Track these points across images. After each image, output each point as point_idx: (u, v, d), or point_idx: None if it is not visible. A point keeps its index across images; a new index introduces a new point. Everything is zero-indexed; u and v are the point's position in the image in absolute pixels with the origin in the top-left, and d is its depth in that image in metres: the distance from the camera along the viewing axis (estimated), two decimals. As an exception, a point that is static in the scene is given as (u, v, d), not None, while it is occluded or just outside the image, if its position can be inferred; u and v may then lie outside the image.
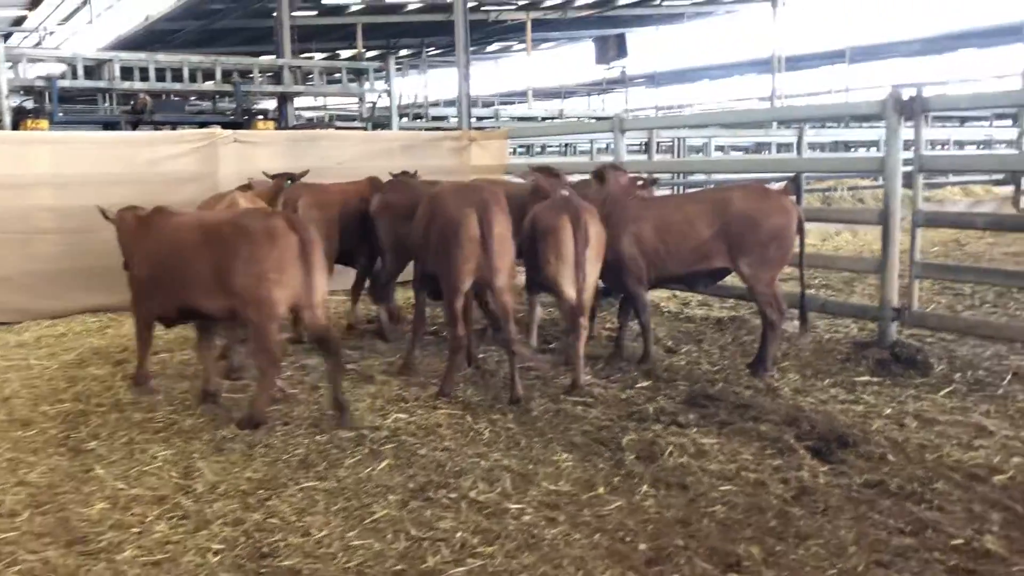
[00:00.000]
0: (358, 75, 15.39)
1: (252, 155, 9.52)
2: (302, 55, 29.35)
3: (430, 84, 37.44)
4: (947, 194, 16.90)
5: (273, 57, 15.93)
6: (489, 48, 46.67)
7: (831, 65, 37.19)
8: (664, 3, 29.86)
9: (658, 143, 18.42)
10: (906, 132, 6.33)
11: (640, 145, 17.37)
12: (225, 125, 13.55)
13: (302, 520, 3.94)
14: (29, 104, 12.44)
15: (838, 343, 6.95)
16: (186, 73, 13.12)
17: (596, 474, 4.45)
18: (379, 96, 14.77)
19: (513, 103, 33.38)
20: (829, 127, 20.20)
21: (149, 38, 24.68)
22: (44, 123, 12.07)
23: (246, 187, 7.91)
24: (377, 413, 5.45)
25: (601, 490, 4.25)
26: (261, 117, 13.57)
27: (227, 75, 13.70)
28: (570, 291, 5.88)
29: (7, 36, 36.10)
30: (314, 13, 24.70)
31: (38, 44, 29.31)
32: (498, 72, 48.69)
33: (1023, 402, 5.50)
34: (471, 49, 43.34)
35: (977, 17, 33.31)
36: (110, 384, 6.19)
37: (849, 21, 34.80)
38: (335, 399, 5.27)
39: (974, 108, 18.94)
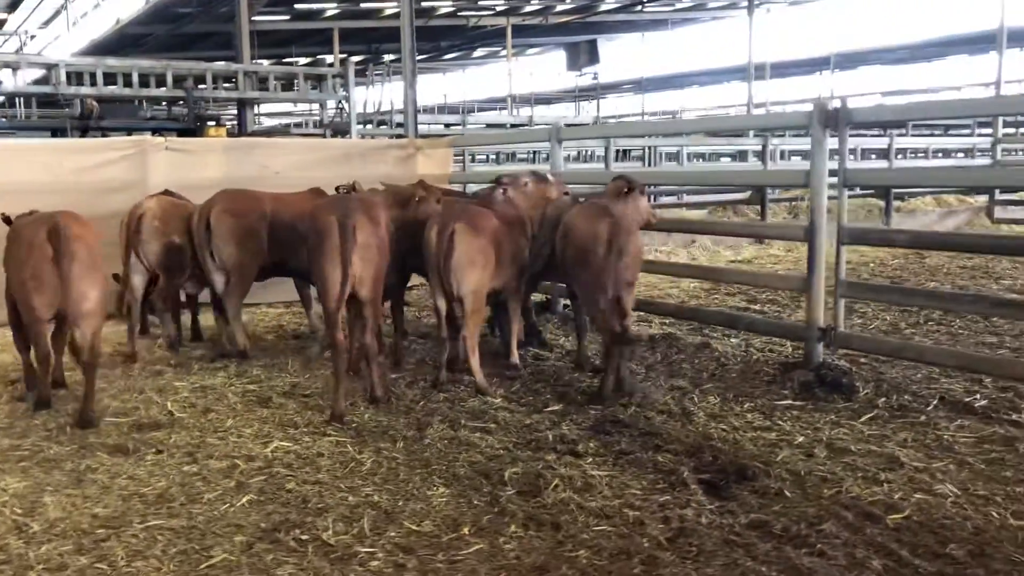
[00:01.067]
0: (319, 81, 15.11)
1: (185, 163, 9.24)
2: (280, 61, 29.18)
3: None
4: (920, 204, 16.67)
5: (227, 63, 15.62)
6: (476, 54, 46.62)
7: (818, 73, 37.09)
8: (646, 9, 29.66)
9: (627, 152, 18.40)
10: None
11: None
12: (180, 132, 13.33)
13: (131, 565, 3.65)
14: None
15: (766, 364, 6.67)
16: (135, 78, 12.83)
17: (467, 512, 4.17)
18: (339, 103, 14.47)
19: (495, 109, 33.11)
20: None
21: (121, 42, 24.40)
22: (-19, 130, 11.82)
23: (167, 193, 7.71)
24: (260, 440, 5.16)
25: (466, 531, 3.96)
26: (213, 124, 13.28)
27: (181, 80, 13.42)
28: (439, 301, 6.15)
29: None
30: (287, 18, 24.42)
31: (19, 49, 29.14)
32: (485, 77, 48.59)
33: (943, 429, 5.23)
34: (456, 55, 43.38)
35: (964, 24, 33.23)
36: (-7, 406, 5.90)
37: (834, 28, 34.69)
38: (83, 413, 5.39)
39: (904, 120, 18.59)
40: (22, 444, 5.09)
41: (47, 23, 36.22)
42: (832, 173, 6.02)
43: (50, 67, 12.52)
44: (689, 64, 40.56)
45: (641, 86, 41.95)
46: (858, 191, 15.19)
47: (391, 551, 3.77)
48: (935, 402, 5.68)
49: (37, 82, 12.41)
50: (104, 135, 12.40)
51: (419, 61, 40.65)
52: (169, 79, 13.14)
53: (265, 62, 23.99)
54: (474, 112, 30.82)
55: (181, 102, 14.46)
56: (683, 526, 3.97)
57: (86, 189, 8.64)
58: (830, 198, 6.05)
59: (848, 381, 5.97)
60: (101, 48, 25.38)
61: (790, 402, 5.84)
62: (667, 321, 8.14)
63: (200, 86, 14.16)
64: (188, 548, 3.79)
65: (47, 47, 35.25)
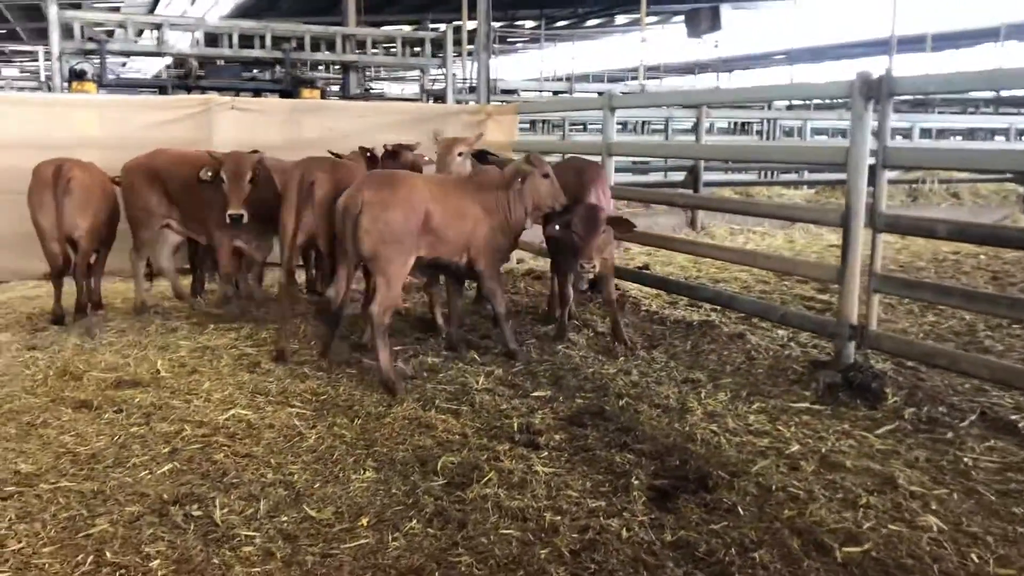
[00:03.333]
0: (420, 46, 14.96)
1: (249, 123, 9.29)
2: (420, 26, 29.16)
3: (549, 59, 36.70)
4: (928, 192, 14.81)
5: (325, 26, 15.67)
6: (619, 21, 45.45)
7: (980, 45, 34.05)
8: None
9: (743, 125, 17.45)
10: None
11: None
12: (280, 94, 13.53)
13: (12, 528, 3.57)
14: (87, 67, 12.67)
15: (797, 361, 6.05)
16: (236, 39, 13.06)
17: (377, 501, 3.89)
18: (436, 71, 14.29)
19: (626, 80, 32.23)
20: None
21: (258, 6, 25.11)
22: (91, 86, 12.32)
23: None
24: (222, 406, 5.05)
25: (364, 522, 3.70)
26: (309, 86, 13.38)
27: (280, 42, 13.56)
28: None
29: (154, 3, 38.04)
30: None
31: (183, 13, 30.65)
32: (630, 47, 47.33)
33: (967, 451, 4.53)
34: (595, 23, 42.45)
35: None
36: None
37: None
38: None
39: (946, 92, 16.46)
40: (-1, 394, 5.19)
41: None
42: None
43: (156, 26, 12.89)
44: (836, 36, 38.05)
45: (791, 57, 39.85)
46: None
47: (271, 537, 3.55)
48: (972, 418, 4.96)
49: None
50: (203, 93, 12.66)
51: (558, 28, 40.14)
52: (268, 40, 13.31)
53: (387, 28, 23.97)
54: (625, 81, 30.11)
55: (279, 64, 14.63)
56: (596, 538, 3.57)
57: (152, 146, 8.81)
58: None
59: (878, 386, 5.30)
60: (241, 11, 26.26)
61: (807, 405, 5.24)
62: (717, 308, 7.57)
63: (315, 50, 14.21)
64: (77, 515, 3.70)
65: (209, 11, 36.93)
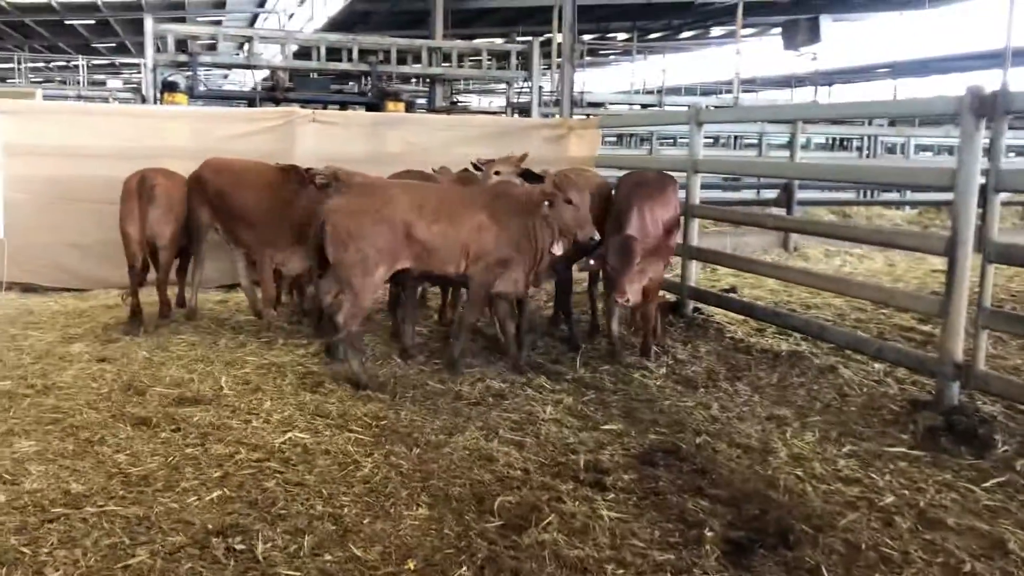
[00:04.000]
0: (505, 59, 14.80)
1: (330, 136, 9.25)
2: (510, 39, 29.16)
3: (641, 71, 36.20)
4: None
5: (411, 39, 15.65)
6: (714, 33, 44.63)
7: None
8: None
9: (841, 141, 16.66)
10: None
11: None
12: (367, 107, 13.56)
13: (53, 553, 3.45)
14: (179, 79, 12.93)
15: (894, 400, 5.58)
16: (323, 51, 13.14)
17: (428, 542, 3.65)
18: (522, 84, 14.13)
19: (720, 93, 31.50)
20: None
21: (351, 19, 25.45)
22: (182, 97, 12.54)
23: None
24: (280, 428, 4.89)
25: (411, 565, 3.46)
26: (394, 99, 13.35)
27: (366, 55, 13.59)
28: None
29: (253, 17, 39.19)
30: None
31: (284, 25, 31.44)
32: (724, 59, 46.44)
33: (1091, 511, 4.04)
34: (689, 35, 41.74)
35: None
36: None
37: None
38: None
39: None
40: (62, 407, 5.14)
41: (302, 1, 38.73)
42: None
43: (247, 40, 13.06)
44: (941, 48, 36.42)
45: (895, 70, 38.37)
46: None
47: (311, 579, 3.34)
48: (1097, 473, 4.44)
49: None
50: (288, 105, 12.76)
51: (649, 40, 39.60)
52: (355, 53, 13.35)
53: (475, 41, 23.96)
54: (719, 95, 29.44)
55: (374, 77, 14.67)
56: (660, 599, 3.25)
57: (233, 156, 8.84)
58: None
59: (985, 432, 4.82)
60: (334, 25, 26.65)
61: (904, 450, 4.80)
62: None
63: (410, 63, 14.23)
64: (119, 543, 3.56)
65: (306, 25, 37.83)
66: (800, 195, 11.69)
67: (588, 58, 47.54)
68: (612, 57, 50.24)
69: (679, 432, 5.06)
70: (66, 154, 8.72)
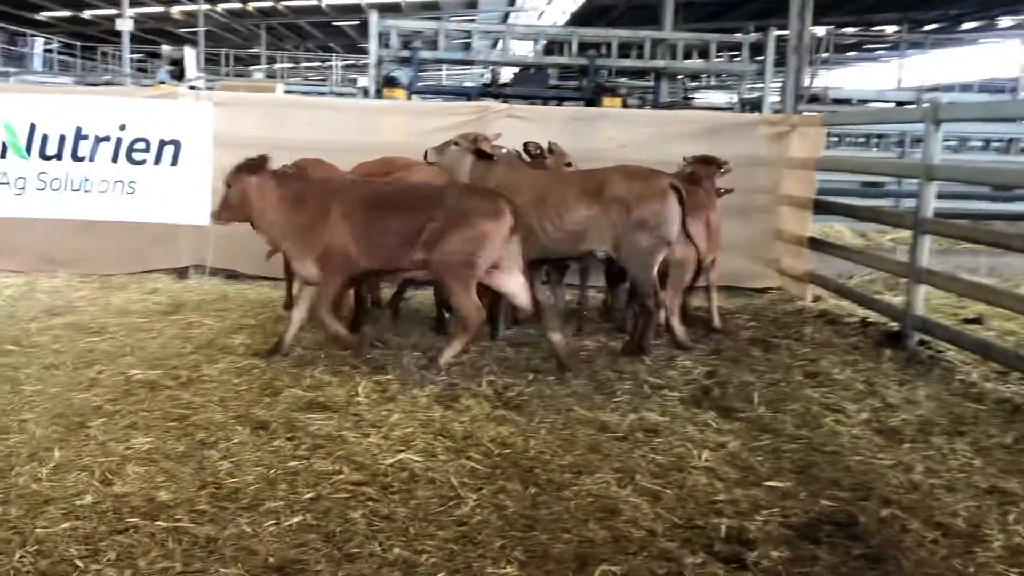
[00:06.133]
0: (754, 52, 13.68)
1: (525, 131, 8.79)
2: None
3: (910, 67, 33.10)
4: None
5: (633, 31, 14.84)
6: (1002, 23, 40.07)
7: None
8: None
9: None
10: None
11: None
12: (586, 102, 13.15)
13: (103, 572, 3.21)
14: (400, 74, 13.08)
15: None
16: (541, 46, 12.80)
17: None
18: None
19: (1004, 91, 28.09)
20: None
21: (592, 14, 25.11)
22: (400, 92, 12.66)
23: None
24: (396, 446, 4.45)
25: (469, 643, 2.88)
26: (611, 94, 12.74)
27: (586, 48, 13.09)
28: None
29: (506, 15, 40.21)
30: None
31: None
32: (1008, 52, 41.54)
33: None
34: (971, 26, 37.65)
35: None
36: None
37: None
38: None
39: None
40: (194, 403, 5.01)
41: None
42: None
43: (469, 35, 12.98)
44: None
45: None
46: None
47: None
48: None
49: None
50: (506, 103, 12.53)
51: (930, 32, 36.05)
52: (575, 46, 12.86)
53: (703, 34, 22.75)
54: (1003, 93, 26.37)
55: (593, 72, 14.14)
56: None
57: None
58: None
59: None
60: (577, 19, 26.44)
61: None
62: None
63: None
64: (170, 568, 3.26)
65: (553, 22, 38.31)
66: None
67: (852, 53, 44.39)
68: (880, 52, 46.54)
69: (862, 499, 4.10)
70: (272, 146, 8.89)
